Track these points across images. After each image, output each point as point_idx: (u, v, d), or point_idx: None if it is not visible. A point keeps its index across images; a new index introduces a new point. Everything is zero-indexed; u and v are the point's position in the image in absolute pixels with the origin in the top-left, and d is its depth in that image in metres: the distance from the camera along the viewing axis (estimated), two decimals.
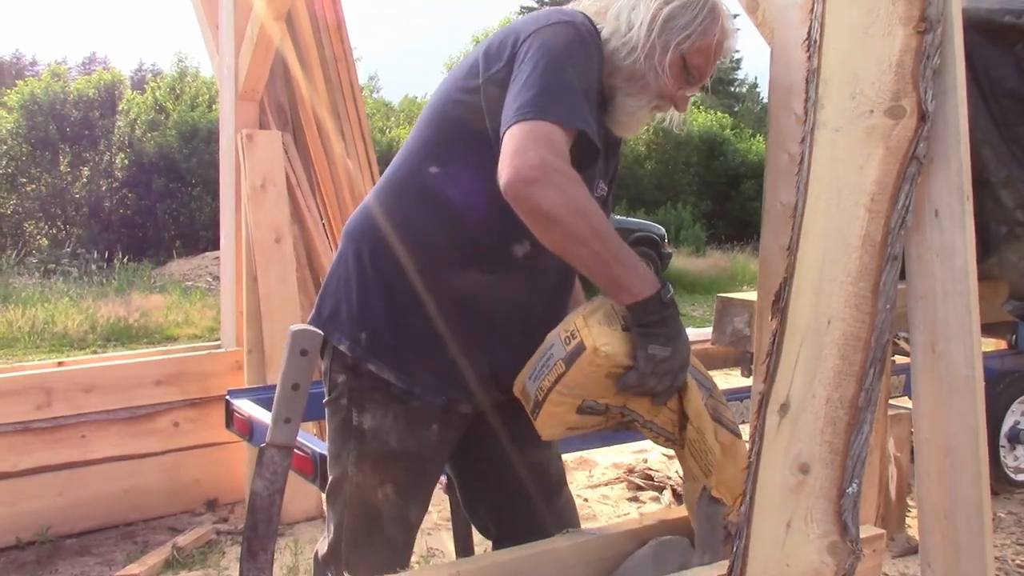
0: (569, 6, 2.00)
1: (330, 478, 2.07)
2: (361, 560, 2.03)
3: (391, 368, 1.94)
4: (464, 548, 2.57)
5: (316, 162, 4.84)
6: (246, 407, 3.43)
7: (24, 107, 17.94)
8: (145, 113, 19.26)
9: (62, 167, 18.17)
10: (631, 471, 5.07)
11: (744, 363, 3.87)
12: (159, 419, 4.21)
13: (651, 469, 5.07)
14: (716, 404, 1.92)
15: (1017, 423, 4.75)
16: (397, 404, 1.96)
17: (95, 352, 8.58)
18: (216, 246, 6.01)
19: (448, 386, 1.97)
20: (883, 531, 1.93)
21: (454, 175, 1.91)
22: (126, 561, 3.78)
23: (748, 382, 3.09)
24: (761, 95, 37.11)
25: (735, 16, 2.01)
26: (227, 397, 3.63)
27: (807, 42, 1.68)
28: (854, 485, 1.50)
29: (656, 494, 4.76)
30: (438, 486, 2.19)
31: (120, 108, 18.98)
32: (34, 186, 18.09)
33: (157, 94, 20.40)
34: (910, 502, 4.04)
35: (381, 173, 2.21)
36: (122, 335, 9.56)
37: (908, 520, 4.05)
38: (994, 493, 4.53)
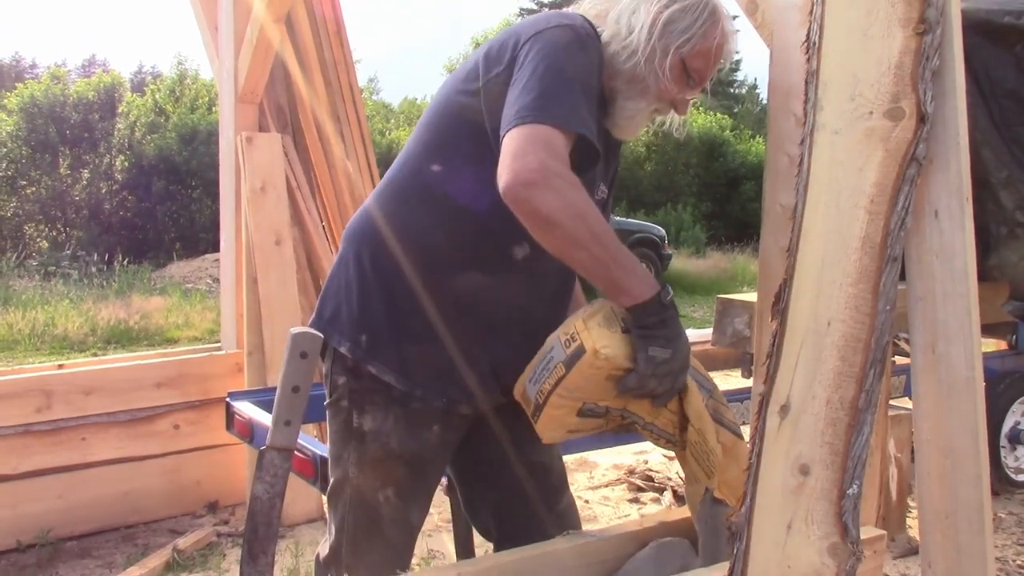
0: (569, 9, 2.00)
1: (331, 480, 2.07)
2: (362, 562, 2.03)
3: (392, 370, 1.94)
4: (465, 550, 2.57)
5: (316, 164, 4.84)
6: (246, 409, 3.43)
7: (24, 110, 17.94)
8: (145, 115, 19.26)
9: (62, 170, 18.16)
10: (632, 472, 5.07)
11: (744, 364, 3.87)
12: (159, 421, 4.21)
13: (652, 470, 5.07)
14: (717, 405, 1.92)
15: (1018, 423, 4.75)
16: (398, 406, 1.96)
17: (95, 354, 8.58)
18: (216, 248, 6.01)
19: (449, 388, 1.97)
20: (884, 532, 1.93)
21: (454, 178, 1.91)
22: (126, 564, 3.77)
23: (748, 383, 3.08)
24: (761, 96, 37.13)
25: (734, 18, 2.01)
26: (227, 399, 3.63)
27: (806, 44, 1.68)
28: (855, 486, 1.50)
29: (657, 495, 4.76)
30: (439, 488, 2.19)
31: (120, 110, 18.98)
32: (34, 189, 18.09)
33: (157, 96, 20.40)
34: (911, 503, 4.04)
35: (381, 175, 2.21)
36: (122, 337, 9.56)
37: (909, 521, 4.05)
38: (995, 493, 4.53)
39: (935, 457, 1.64)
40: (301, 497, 4.09)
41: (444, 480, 2.33)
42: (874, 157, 1.54)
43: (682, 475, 2.03)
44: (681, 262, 17.52)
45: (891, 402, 3.79)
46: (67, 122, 18.17)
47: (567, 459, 2.48)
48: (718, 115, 27.37)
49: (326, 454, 2.14)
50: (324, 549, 2.10)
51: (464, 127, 1.90)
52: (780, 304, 1.62)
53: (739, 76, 40.54)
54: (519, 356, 1.88)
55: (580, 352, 1.75)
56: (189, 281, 13.95)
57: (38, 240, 18.08)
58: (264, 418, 3.23)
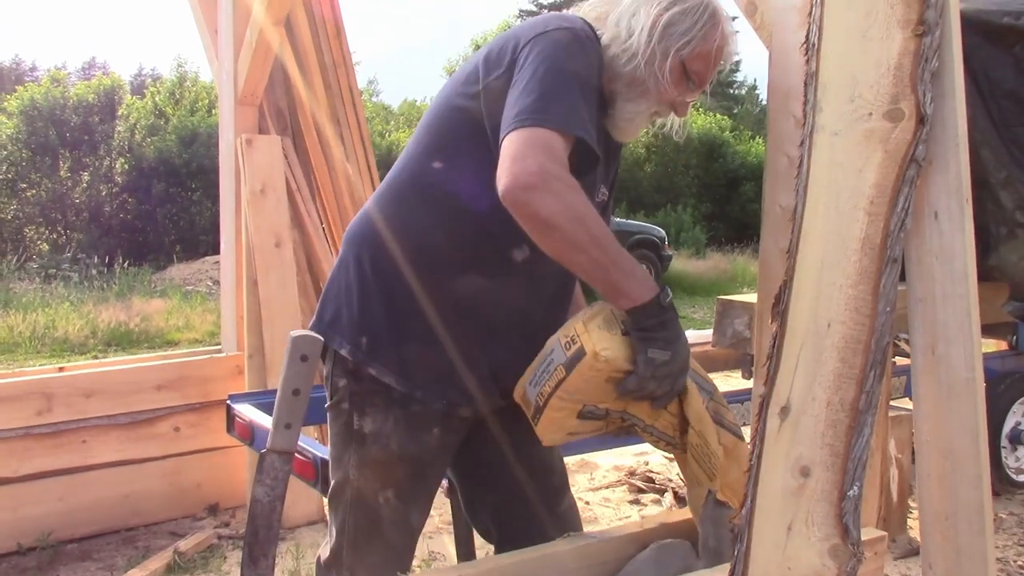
0: (569, 11, 2.00)
1: (332, 482, 2.07)
2: (362, 564, 2.03)
3: (392, 372, 1.94)
4: (465, 552, 2.57)
5: (316, 167, 4.84)
6: (247, 411, 3.43)
7: (24, 113, 17.95)
8: (145, 118, 19.28)
9: (62, 172, 18.18)
10: (632, 474, 5.07)
11: (745, 365, 3.87)
12: (160, 424, 4.21)
13: (652, 471, 5.07)
14: (718, 407, 1.92)
15: (1018, 424, 4.75)
16: (398, 408, 1.96)
17: (96, 357, 8.59)
18: (216, 250, 6.02)
19: (449, 390, 1.97)
20: (885, 533, 1.93)
21: (454, 181, 1.91)
22: (127, 566, 3.77)
23: (749, 384, 3.09)
24: (760, 97, 37.15)
25: (733, 19, 2.02)
26: (228, 402, 3.63)
27: (805, 45, 1.69)
28: (855, 488, 1.50)
29: (657, 496, 4.76)
30: (440, 490, 2.19)
31: (120, 113, 19.00)
32: (34, 191, 18.10)
33: (157, 99, 20.42)
34: (911, 504, 4.04)
35: (381, 177, 2.21)
36: (123, 340, 9.57)
37: (910, 522, 4.05)
38: (995, 494, 4.53)
39: (935, 458, 1.64)
40: (302, 499, 4.10)
41: (445, 482, 2.33)
42: (873, 158, 1.54)
43: (683, 476, 2.03)
44: (681, 263, 17.52)
45: (892, 403, 3.79)
46: (67, 125, 18.19)
47: (568, 460, 2.49)
48: (718, 116, 27.39)
49: (327, 456, 2.14)
50: (325, 551, 2.10)
51: (464, 129, 1.90)
52: (780, 306, 1.62)
53: (739, 77, 40.58)
54: (519, 359, 1.88)
55: (580, 354, 1.75)
56: (189, 283, 13.96)
57: (38, 243, 18.10)
58: (265, 420, 3.23)
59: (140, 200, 18.10)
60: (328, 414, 2.06)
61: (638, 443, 2.43)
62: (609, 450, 4.52)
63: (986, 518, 1.60)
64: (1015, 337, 4.85)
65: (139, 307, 10.81)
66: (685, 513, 2.05)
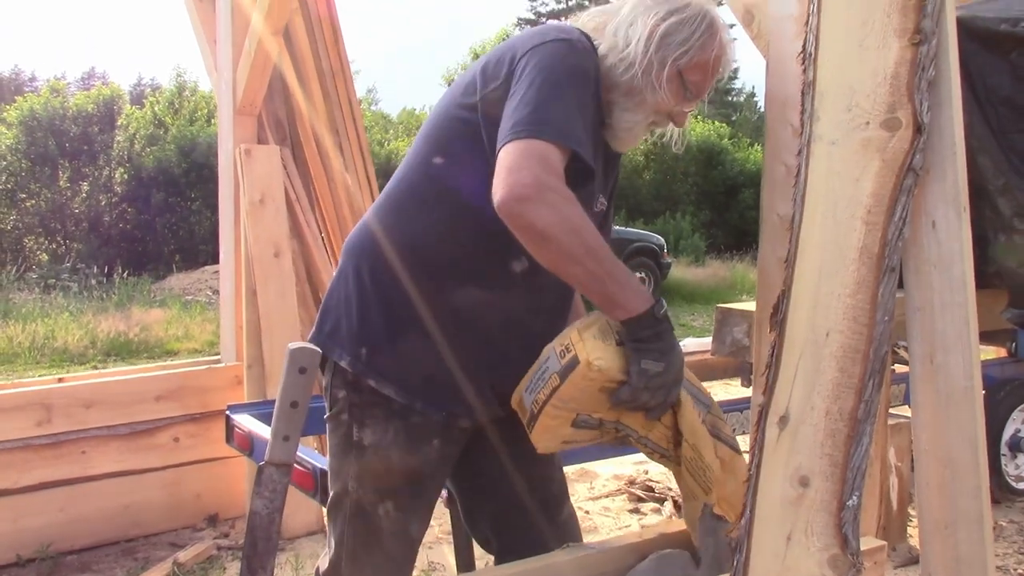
0: (567, 22, 2.01)
1: (331, 493, 2.07)
2: (362, 575, 2.03)
3: (391, 383, 1.94)
4: (465, 562, 2.57)
5: (315, 176, 4.84)
6: (246, 422, 3.43)
7: (23, 123, 17.95)
8: (144, 128, 19.28)
9: (61, 182, 18.17)
10: (632, 483, 5.07)
11: (744, 373, 3.87)
12: (159, 434, 4.21)
13: (652, 481, 5.06)
14: (715, 420, 1.92)
15: (1018, 431, 4.75)
16: (397, 419, 1.96)
17: (95, 367, 8.58)
18: (216, 260, 6.02)
19: (448, 401, 1.97)
20: (884, 543, 1.93)
21: (452, 192, 1.91)
22: None
23: (748, 392, 3.09)
24: (759, 104, 37.21)
25: (731, 27, 2.02)
26: (227, 412, 3.63)
27: (802, 55, 1.69)
28: (854, 497, 1.50)
29: (657, 505, 4.75)
30: (439, 500, 2.19)
31: (119, 123, 19.00)
32: (34, 201, 18.09)
33: (156, 109, 20.43)
34: (911, 512, 4.03)
35: (380, 186, 2.21)
36: (122, 350, 9.56)
37: (910, 530, 4.04)
38: (995, 502, 4.53)
39: (934, 467, 1.64)
40: (301, 510, 4.09)
41: (444, 492, 2.33)
42: (871, 167, 1.54)
43: (679, 489, 2.02)
44: (680, 271, 17.52)
45: (891, 411, 3.79)
46: (66, 135, 18.19)
47: (567, 469, 2.48)
48: (716, 123, 27.42)
49: (326, 467, 2.14)
50: (324, 563, 2.10)
51: (462, 141, 1.90)
52: (778, 315, 1.62)
53: (737, 84, 40.70)
54: (518, 369, 1.88)
55: (574, 363, 1.75)
56: (189, 293, 13.95)
57: (38, 253, 18.08)
58: (264, 431, 3.23)
59: (139, 210, 18.09)
60: (327, 425, 2.06)
61: (638, 452, 2.43)
62: (609, 459, 4.51)
63: (986, 527, 1.60)
64: (1014, 344, 4.85)
65: (138, 317, 10.80)
66: (684, 523, 2.05)
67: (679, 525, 2.07)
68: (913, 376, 1.67)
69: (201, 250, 17.18)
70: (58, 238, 18.29)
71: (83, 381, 4.27)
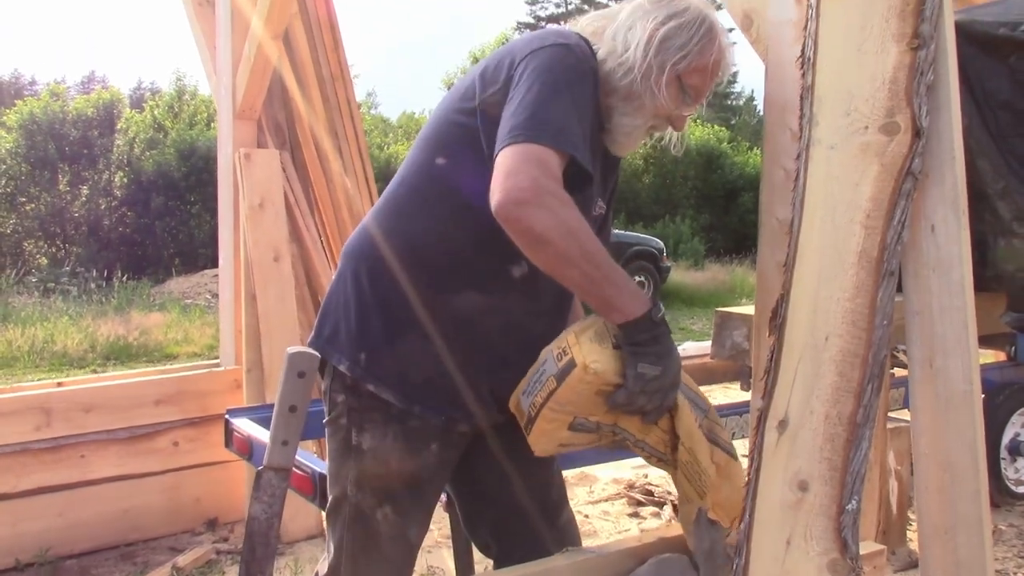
0: (566, 26, 2.01)
1: (330, 498, 2.07)
2: None
3: (390, 388, 1.94)
4: (464, 566, 2.57)
5: (314, 180, 4.84)
6: (245, 426, 3.42)
7: (23, 127, 17.97)
8: (144, 132, 19.31)
9: (61, 186, 18.19)
10: (632, 487, 5.06)
11: (743, 377, 3.87)
12: (159, 438, 4.20)
13: (652, 484, 5.06)
14: (712, 425, 1.92)
15: (1017, 435, 4.74)
16: (396, 424, 1.96)
17: (95, 371, 8.58)
18: (215, 263, 6.02)
19: (447, 405, 1.97)
20: (884, 547, 1.93)
21: (452, 195, 1.91)
22: None
23: (748, 396, 3.09)
24: (758, 108, 37.23)
25: (730, 30, 2.02)
26: (226, 416, 3.63)
27: (801, 59, 1.69)
28: (853, 502, 1.50)
29: (657, 509, 4.75)
30: (438, 504, 2.19)
31: (119, 127, 19.02)
32: (33, 205, 18.11)
33: (156, 112, 20.46)
34: (911, 516, 4.03)
35: (380, 190, 2.21)
36: (122, 353, 9.56)
37: (909, 534, 4.04)
38: (995, 505, 4.53)
39: (933, 471, 1.64)
40: (300, 514, 4.09)
41: (443, 496, 2.33)
42: (870, 172, 1.55)
43: (675, 492, 2.02)
44: (680, 274, 17.52)
45: (891, 414, 3.79)
46: (66, 139, 18.21)
47: (567, 473, 2.48)
48: (715, 127, 27.43)
49: (325, 471, 2.14)
50: (323, 567, 2.09)
51: (461, 146, 1.90)
52: (777, 319, 1.62)
53: (736, 88, 40.76)
54: (517, 373, 1.88)
55: (570, 366, 1.75)
56: (188, 297, 13.95)
57: (37, 257, 18.09)
58: (263, 435, 3.22)
59: (139, 214, 18.11)
60: (326, 429, 2.05)
61: (637, 456, 2.44)
62: (608, 463, 4.51)
63: (985, 531, 1.60)
64: (1013, 348, 4.84)
65: (138, 321, 10.80)
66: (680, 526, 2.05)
67: (678, 529, 2.07)
68: (912, 380, 1.67)
69: (200, 254, 17.19)
70: (58, 242, 18.30)
71: (82, 385, 4.27)
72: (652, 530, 3.00)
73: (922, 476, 1.66)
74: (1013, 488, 4.72)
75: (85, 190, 18.33)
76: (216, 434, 4.05)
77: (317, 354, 1.98)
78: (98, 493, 4.05)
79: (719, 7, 2.12)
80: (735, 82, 38.19)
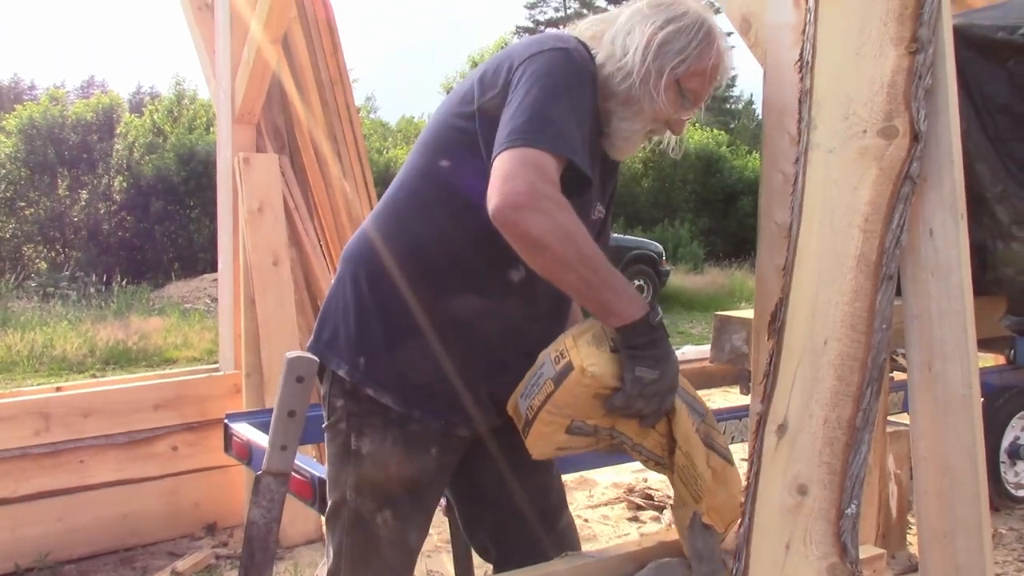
0: (564, 31, 2.01)
1: (329, 502, 2.06)
2: None
3: (389, 392, 1.94)
4: (464, 571, 2.56)
5: (313, 185, 4.85)
6: (244, 431, 3.42)
7: (23, 131, 17.97)
8: (143, 136, 19.31)
9: (60, 191, 18.19)
10: (631, 491, 5.06)
11: (743, 380, 3.86)
12: (158, 443, 4.20)
13: (651, 489, 5.06)
14: (709, 430, 1.92)
15: (1017, 438, 4.74)
16: (395, 428, 1.96)
17: (94, 375, 8.57)
18: (214, 268, 6.03)
19: (446, 410, 1.97)
20: (883, 551, 1.93)
21: (451, 198, 1.91)
22: None
23: (747, 400, 3.09)
24: (756, 112, 37.25)
25: (728, 35, 2.02)
26: (225, 421, 3.62)
27: (799, 63, 1.69)
28: (853, 506, 1.50)
29: (656, 514, 4.75)
30: (438, 508, 2.19)
31: (118, 131, 19.02)
32: (32, 210, 18.10)
33: (155, 117, 20.47)
34: (911, 520, 4.03)
35: (379, 194, 2.21)
36: (121, 358, 9.55)
37: (909, 537, 4.04)
38: (995, 509, 4.52)
39: (933, 475, 1.64)
40: (300, 519, 4.08)
41: (443, 501, 2.33)
42: (868, 176, 1.55)
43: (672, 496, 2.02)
44: (679, 278, 17.52)
45: (890, 418, 3.78)
46: (66, 143, 18.21)
47: (566, 478, 2.48)
48: (714, 131, 27.44)
49: (324, 476, 2.14)
50: (322, 572, 2.09)
51: (459, 150, 1.90)
52: (776, 323, 1.62)
53: (735, 92, 40.79)
54: (515, 377, 1.88)
55: (568, 369, 1.75)
56: (187, 301, 13.95)
57: (37, 261, 18.09)
58: (262, 440, 3.22)
59: (138, 218, 18.11)
60: (326, 434, 2.05)
61: (636, 461, 2.43)
62: (607, 467, 4.50)
63: (984, 535, 1.59)
64: (1012, 351, 4.84)
65: (137, 325, 10.80)
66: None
67: (678, 534, 2.07)
68: (911, 384, 1.67)
69: (200, 258, 17.18)
70: (57, 246, 18.30)
71: (81, 390, 4.28)
72: (652, 534, 3.00)
73: (921, 480, 1.66)
74: (1013, 492, 4.72)
75: (84, 194, 18.34)
76: (215, 439, 4.05)
77: (316, 359, 1.98)
78: (97, 498, 4.05)
79: (718, 11, 2.12)
80: (734, 86, 38.24)
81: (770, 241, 1.94)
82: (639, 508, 4.83)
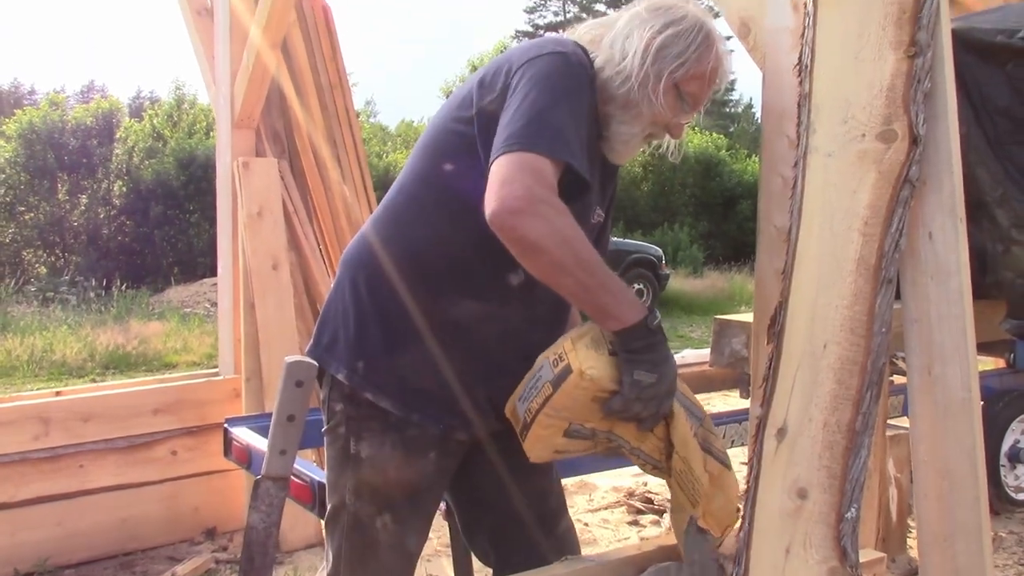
0: (563, 35, 2.01)
1: (328, 507, 2.06)
2: None
3: (388, 396, 1.94)
4: (464, 575, 2.56)
5: (313, 189, 4.85)
6: (244, 435, 3.41)
7: (22, 136, 17.95)
8: (143, 141, 19.29)
9: (60, 195, 18.17)
10: (631, 495, 5.06)
11: (743, 384, 3.86)
12: (157, 448, 4.19)
13: (651, 493, 5.05)
14: (706, 434, 1.92)
15: (1017, 442, 4.74)
16: (394, 432, 1.96)
17: (94, 380, 8.56)
18: (214, 272, 6.03)
19: (445, 414, 1.97)
20: (883, 555, 1.93)
21: (450, 203, 1.91)
22: None
23: (747, 404, 3.08)
24: (756, 116, 37.27)
25: (727, 38, 2.02)
26: (225, 425, 3.62)
27: (798, 67, 1.70)
28: (853, 510, 1.49)
29: (656, 518, 4.74)
30: (437, 512, 2.18)
31: (118, 136, 19.00)
32: (32, 214, 18.08)
33: (155, 121, 20.45)
34: (911, 523, 4.02)
35: (378, 198, 2.21)
36: (121, 363, 9.55)
37: (909, 541, 4.03)
38: (995, 513, 4.52)
39: (933, 479, 1.64)
40: (299, 523, 4.08)
41: (442, 505, 2.32)
42: (867, 179, 1.55)
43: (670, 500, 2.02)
44: (679, 282, 17.52)
45: (890, 421, 3.78)
46: (65, 148, 18.19)
47: (566, 482, 2.48)
48: (714, 135, 27.45)
49: (324, 480, 2.13)
50: None
51: (459, 154, 1.90)
52: (776, 326, 1.62)
53: (734, 96, 40.82)
54: (514, 381, 1.88)
55: (567, 372, 1.75)
56: (187, 306, 13.94)
57: (36, 266, 18.06)
58: (262, 444, 3.21)
59: (138, 223, 18.09)
60: (325, 438, 2.05)
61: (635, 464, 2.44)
62: (608, 471, 4.50)
63: (984, 539, 1.59)
64: (1013, 355, 4.84)
65: (137, 330, 10.79)
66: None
67: None
68: (911, 387, 1.67)
69: (199, 263, 17.16)
70: (57, 251, 18.28)
71: (81, 394, 4.27)
72: (651, 538, 3.00)
73: (921, 483, 1.66)
74: (1013, 495, 4.72)
75: (84, 199, 18.32)
76: (215, 443, 4.04)
77: (315, 363, 1.98)
78: (97, 502, 4.04)
79: (717, 15, 2.12)
80: (733, 90, 38.30)
81: (769, 245, 1.94)
82: (639, 512, 4.82)
